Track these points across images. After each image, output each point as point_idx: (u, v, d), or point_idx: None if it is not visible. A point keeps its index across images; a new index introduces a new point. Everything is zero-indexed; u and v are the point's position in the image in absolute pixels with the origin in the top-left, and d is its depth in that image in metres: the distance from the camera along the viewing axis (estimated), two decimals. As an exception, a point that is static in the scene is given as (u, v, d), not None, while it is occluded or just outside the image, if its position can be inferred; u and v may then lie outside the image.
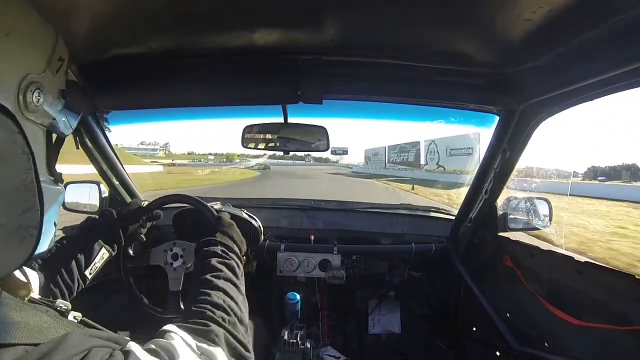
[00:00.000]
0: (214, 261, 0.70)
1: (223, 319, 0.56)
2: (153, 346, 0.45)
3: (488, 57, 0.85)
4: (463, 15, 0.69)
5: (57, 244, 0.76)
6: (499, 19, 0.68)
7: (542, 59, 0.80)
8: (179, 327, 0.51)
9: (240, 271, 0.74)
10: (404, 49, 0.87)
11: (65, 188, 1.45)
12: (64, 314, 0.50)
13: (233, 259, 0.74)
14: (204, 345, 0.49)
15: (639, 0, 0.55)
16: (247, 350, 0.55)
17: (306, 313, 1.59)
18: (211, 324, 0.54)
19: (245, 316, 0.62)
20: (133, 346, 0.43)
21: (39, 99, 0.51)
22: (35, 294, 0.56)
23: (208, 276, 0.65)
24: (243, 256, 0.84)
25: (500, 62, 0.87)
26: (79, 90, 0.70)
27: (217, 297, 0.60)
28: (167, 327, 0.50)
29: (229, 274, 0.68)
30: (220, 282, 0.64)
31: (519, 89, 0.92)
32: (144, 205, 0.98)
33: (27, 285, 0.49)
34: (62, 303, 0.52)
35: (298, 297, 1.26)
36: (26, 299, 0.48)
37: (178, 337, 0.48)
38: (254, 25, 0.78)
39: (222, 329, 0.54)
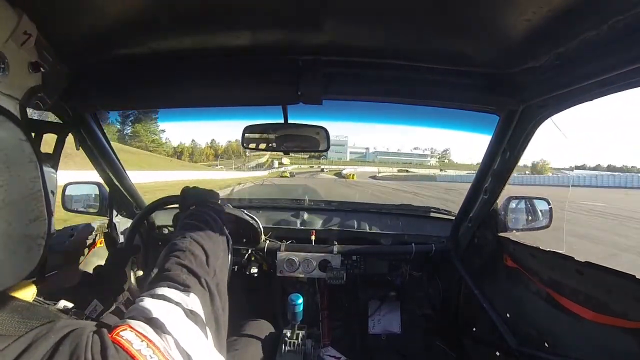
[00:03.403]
0: (186, 220, 0.74)
1: (190, 262, 0.57)
2: (129, 314, 0.45)
3: (488, 57, 0.85)
4: (463, 16, 0.69)
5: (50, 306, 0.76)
6: (499, 20, 0.68)
7: (542, 59, 0.80)
8: (152, 286, 0.51)
9: (218, 221, 0.77)
10: (403, 50, 0.87)
11: (65, 189, 1.46)
12: (65, 312, 0.50)
13: (204, 211, 0.78)
14: (179, 293, 0.49)
15: (639, 1, 0.55)
16: (212, 290, 0.55)
17: (307, 313, 1.59)
18: (178, 270, 0.54)
19: (214, 259, 0.63)
20: (116, 323, 0.43)
21: (2, 67, 0.51)
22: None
23: (179, 230, 0.69)
24: (218, 201, 0.88)
25: (501, 62, 0.87)
26: (55, 69, 0.70)
27: (183, 243, 0.62)
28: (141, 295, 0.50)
29: (198, 223, 0.72)
30: (189, 232, 0.67)
31: (519, 89, 0.92)
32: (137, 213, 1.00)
33: (29, 285, 0.49)
34: (66, 303, 0.52)
35: (300, 299, 1.25)
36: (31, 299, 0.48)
37: (147, 299, 0.47)
38: (254, 26, 0.78)
39: (192, 275, 0.54)
